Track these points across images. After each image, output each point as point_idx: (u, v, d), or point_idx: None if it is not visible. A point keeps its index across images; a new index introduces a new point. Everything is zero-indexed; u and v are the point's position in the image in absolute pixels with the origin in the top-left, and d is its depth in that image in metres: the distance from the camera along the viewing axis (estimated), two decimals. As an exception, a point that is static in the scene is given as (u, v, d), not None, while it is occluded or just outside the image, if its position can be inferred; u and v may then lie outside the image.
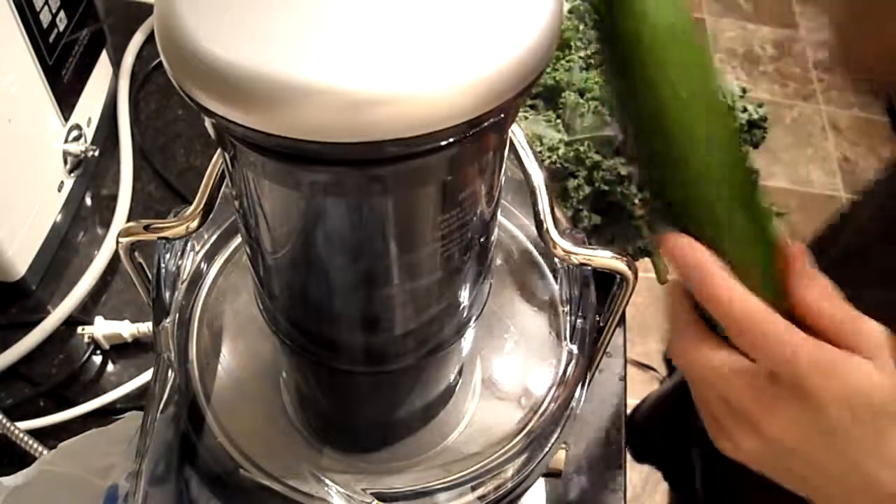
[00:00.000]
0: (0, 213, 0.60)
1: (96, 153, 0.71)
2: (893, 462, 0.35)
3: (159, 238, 0.38)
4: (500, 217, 0.35)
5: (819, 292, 0.35)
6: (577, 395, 0.42)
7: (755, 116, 0.67)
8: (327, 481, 0.38)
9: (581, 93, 0.65)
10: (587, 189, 0.62)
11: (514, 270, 0.48)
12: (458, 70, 0.22)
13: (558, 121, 0.64)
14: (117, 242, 0.39)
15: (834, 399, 0.34)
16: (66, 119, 0.67)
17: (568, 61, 0.66)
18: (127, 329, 0.63)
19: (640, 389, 1.52)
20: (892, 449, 0.35)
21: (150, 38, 0.84)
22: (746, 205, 0.35)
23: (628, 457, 0.64)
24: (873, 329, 0.35)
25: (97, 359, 0.64)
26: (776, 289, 0.36)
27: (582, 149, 0.62)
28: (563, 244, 0.36)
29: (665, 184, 0.36)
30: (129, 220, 0.72)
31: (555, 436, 0.42)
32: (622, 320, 0.60)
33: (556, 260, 0.39)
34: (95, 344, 0.64)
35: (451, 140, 0.24)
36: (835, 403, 0.34)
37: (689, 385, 0.39)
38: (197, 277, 0.46)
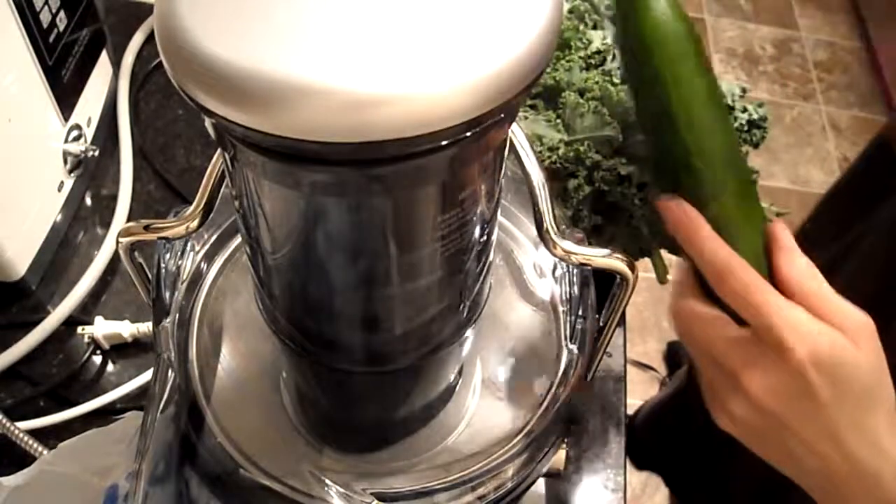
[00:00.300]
0: (0, 213, 0.60)
1: (96, 153, 0.71)
2: (873, 441, 0.36)
3: (159, 238, 0.38)
4: (500, 217, 0.35)
5: (801, 270, 0.37)
6: (577, 395, 0.42)
7: (755, 116, 0.67)
8: (327, 481, 0.38)
9: (581, 93, 0.65)
10: (587, 189, 0.62)
11: (514, 270, 0.48)
12: (459, 70, 0.22)
13: (558, 121, 0.64)
14: (117, 242, 0.39)
15: (813, 364, 0.35)
16: (66, 119, 0.67)
17: (568, 61, 0.66)
18: (127, 329, 0.63)
19: (640, 389, 1.52)
20: (873, 428, 0.36)
21: (150, 38, 0.84)
22: (737, 183, 0.38)
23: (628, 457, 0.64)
24: (855, 313, 0.36)
25: (97, 359, 0.64)
26: (765, 269, 0.38)
27: (582, 149, 0.62)
28: (563, 244, 0.36)
29: (663, 160, 0.40)
30: (129, 220, 0.72)
31: (555, 436, 0.42)
32: (622, 320, 0.60)
33: (556, 260, 0.39)
34: (95, 344, 0.64)
35: (452, 140, 0.24)
36: (814, 368, 0.35)
37: (690, 352, 0.41)
38: (197, 277, 0.46)
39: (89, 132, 0.72)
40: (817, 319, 0.36)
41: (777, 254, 0.38)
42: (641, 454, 0.96)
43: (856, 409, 0.36)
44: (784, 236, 0.38)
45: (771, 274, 0.38)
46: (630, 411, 0.86)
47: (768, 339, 0.36)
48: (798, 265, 0.37)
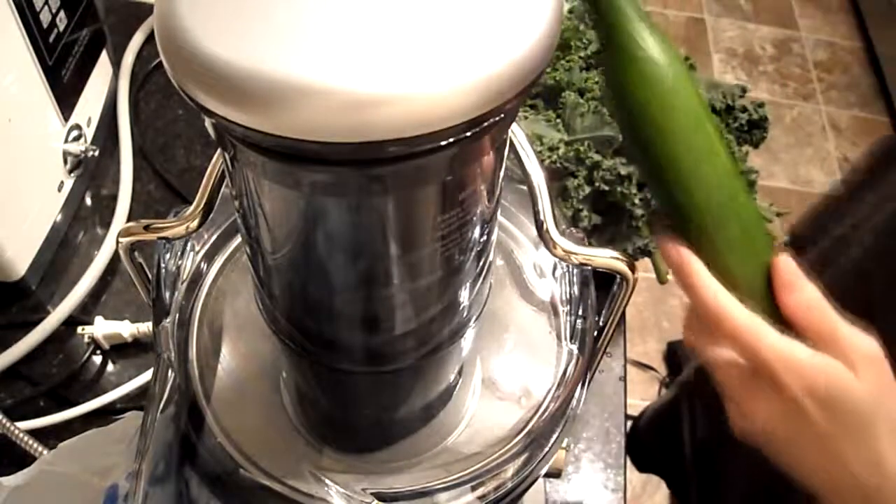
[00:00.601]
0: (0, 213, 0.60)
1: (96, 153, 0.71)
2: (876, 462, 0.37)
3: (159, 238, 0.38)
4: (500, 217, 0.35)
5: (805, 302, 0.38)
6: (577, 395, 0.42)
7: (755, 116, 0.67)
8: (327, 481, 0.38)
9: (581, 93, 0.65)
10: (587, 189, 0.62)
11: (514, 270, 0.48)
12: (459, 70, 0.22)
13: (558, 120, 0.64)
14: (117, 242, 0.39)
15: (810, 397, 0.36)
16: (66, 119, 0.67)
17: (568, 61, 0.66)
18: (127, 329, 0.63)
19: (640, 389, 1.52)
20: (875, 451, 0.37)
21: (150, 38, 0.84)
22: (738, 226, 0.38)
23: (628, 457, 0.64)
24: (861, 341, 0.37)
25: (97, 359, 0.64)
26: (771, 300, 0.38)
27: (582, 148, 0.62)
28: (563, 244, 0.36)
29: (660, 192, 0.38)
30: (129, 220, 0.72)
31: (555, 436, 0.42)
32: (622, 320, 0.60)
33: (556, 260, 0.39)
34: (95, 344, 0.64)
35: (452, 140, 0.24)
36: (811, 401, 0.37)
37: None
38: (197, 277, 0.46)
39: (89, 132, 0.72)
40: (815, 352, 0.37)
41: (779, 289, 0.38)
42: (643, 456, 0.97)
43: (857, 436, 0.37)
44: (786, 269, 0.38)
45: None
46: (630, 411, 0.86)
47: (764, 376, 0.37)
48: (801, 297, 0.38)
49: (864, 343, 0.37)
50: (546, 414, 0.42)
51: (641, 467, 0.98)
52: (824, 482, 0.39)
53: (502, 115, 0.25)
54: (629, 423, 0.98)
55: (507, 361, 0.45)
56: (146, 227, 0.38)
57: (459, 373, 0.43)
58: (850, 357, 0.37)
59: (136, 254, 0.40)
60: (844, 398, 0.37)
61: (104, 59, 0.74)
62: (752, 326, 0.37)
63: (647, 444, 0.96)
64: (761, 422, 0.39)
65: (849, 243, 0.64)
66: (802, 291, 0.38)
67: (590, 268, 0.38)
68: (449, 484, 0.39)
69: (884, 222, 0.61)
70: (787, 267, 0.38)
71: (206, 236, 0.46)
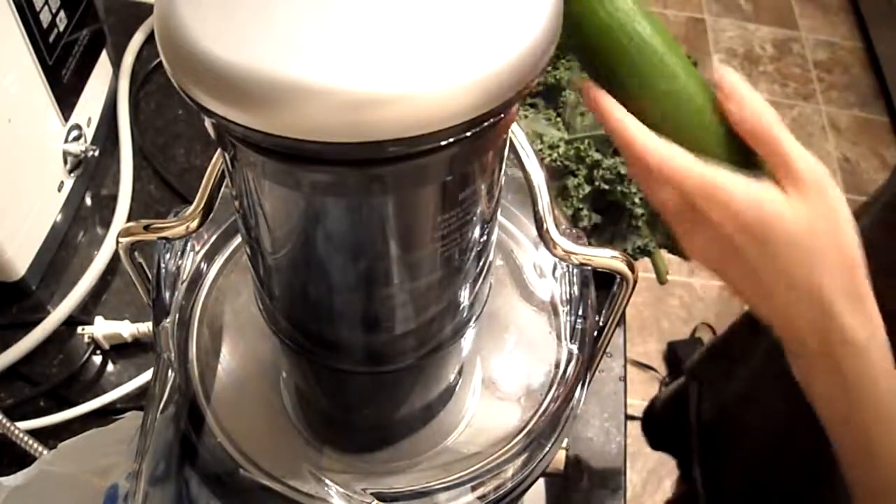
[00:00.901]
0: (0, 213, 0.60)
1: (96, 153, 0.71)
2: (816, 299, 0.36)
3: (159, 238, 0.38)
4: (500, 217, 0.35)
5: (752, 109, 0.36)
6: (577, 395, 0.42)
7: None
8: (327, 481, 0.38)
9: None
10: (587, 188, 0.62)
11: (514, 270, 0.48)
12: (459, 70, 0.22)
13: (559, 119, 0.64)
14: (117, 242, 0.39)
15: (737, 228, 0.36)
16: (66, 119, 0.67)
17: (568, 60, 0.66)
18: (127, 329, 0.63)
19: (641, 389, 1.52)
20: (812, 290, 0.36)
21: (150, 38, 0.84)
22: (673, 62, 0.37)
23: (629, 455, 0.64)
24: (807, 162, 0.36)
25: (97, 359, 0.64)
26: (723, 138, 0.38)
27: (582, 147, 0.62)
28: (563, 244, 0.36)
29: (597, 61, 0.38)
30: (129, 220, 0.72)
31: (555, 436, 0.42)
32: (622, 320, 0.60)
33: (556, 260, 0.39)
34: (95, 344, 0.64)
35: (452, 140, 0.24)
36: (738, 232, 0.36)
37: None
38: (197, 277, 0.46)
39: (89, 132, 0.72)
40: (747, 181, 0.36)
41: (724, 100, 0.37)
42: (656, 436, 0.99)
43: (791, 271, 0.36)
44: (728, 79, 0.37)
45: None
46: (630, 411, 0.86)
47: (697, 210, 0.36)
48: (748, 105, 0.37)
49: (810, 164, 0.36)
50: (546, 414, 0.42)
51: (655, 446, 0.99)
52: (768, 314, 0.38)
53: (502, 115, 0.25)
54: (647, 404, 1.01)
55: (507, 361, 0.45)
56: (146, 227, 0.38)
57: (459, 373, 0.43)
58: (796, 175, 0.36)
59: (136, 254, 0.40)
60: (777, 232, 0.35)
61: (104, 59, 0.74)
62: (672, 158, 0.36)
63: (660, 423, 0.97)
64: (699, 255, 0.38)
65: (860, 216, 0.64)
66: (750, 99, 0.37)
67: (590, 268, 0.38)
68: (449, 484, 0.39)
69: (892, 195, 0.61)
70: (728, 77, 0.37)
71: (206, 236, 0.46)
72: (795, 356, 0.39)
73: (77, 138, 0.69)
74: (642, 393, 1.50)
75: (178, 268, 0.44)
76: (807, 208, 0.35)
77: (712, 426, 0.79)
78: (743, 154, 0.38)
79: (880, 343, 0.37)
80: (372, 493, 0.38)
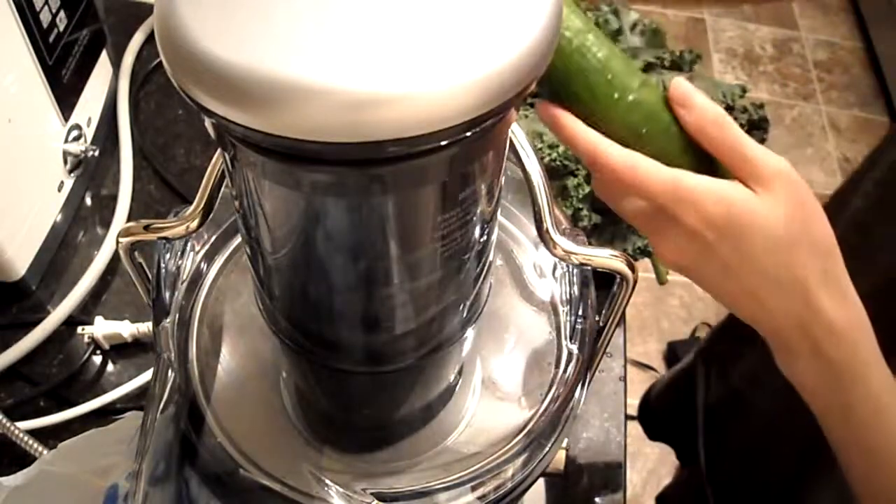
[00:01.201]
0: (0, 213, 0.60)
1: (96, 153, 0.71)
2: (801, 290, 0.36)
3: (159, 238, 0.38)
4: (500, 217, 0.35)
5: (707, 117, 0.37)
6: (577, 395, 0.42)
7: (755, 117, 0.67)
8: (327, 481, 0.38)
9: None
10: (587, 188, 0.62)
11: (514, 270, 0.48)
12: (459, 70, 0.22)
13: (558, 120, 0.64)
14: (117, 242, 0.39)
15: (707, 227, 0.36)
16: (66, 119, 0.67)
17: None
18: (127, 329, 0.63)
19: (640, 389, 1.51)
20: (795, 282, 0.36)
21: (150, 38, 0.84)
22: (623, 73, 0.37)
23: (629, 455, 0.64)
24: (770, 158, 0.36)
25: (97, 359, 0.64)
26: (686, 147, 0.38)
27: (582, 149, 0.62)
28: (562, 244, 0.36)
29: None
30: (129, 220, 0.72)
31: (555, 436, 0.42)
32: (622, 320, 0.60)
33: (556, 260, 0.39)
34: (95, 344, 0.64)
35: (452, 140, 0.24)
36: (709, 231, 0.36)
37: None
38: (197, 277, 0.46)
39: (89, 132, 0.72)
40: (709, 178, 0.36)
41: (677, 108, 0.37)
42: (654, 426, 0.98)
43: (768, 262, 0.36)
44: (680, 88, 0.37)
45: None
46: (630, 411, 0.86)
47: (664, 212, 0.37)
48: (702, 113, 0.37)
49: (772, 160, 0.36)
50: (546, 414, 0.42)
51: (652, 435, 0.99)
52: (752, 315, 0.38)
53: (502, 115, 0.25)
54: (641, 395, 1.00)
55: (507, 361, 0.45)
56: (146, 227, 0.38)
57: (459, 373, 0.43)
58: (760, 173, 0.36)
59: (136, 254, 0.40)
60: (750, 227, 0.35)
61: (104, 59, 0.74)
62: (630, 162, 0.36)
63: (658, 413, 0.97)
64: (671, 258, 0.38)
65: (849, 198, 0.64)
66: (704, 108, 0.37)
67: (590, 268, 0.38)
68: (449, 484, 0.39)
69: (883, 173, 0.61)
70: (680, 86, 0.37)
71: (206, 236, 0.46)
72: (784, 356, 0.39)
73: (77, 138, 0.69)
74: (642, 393, 1.50)
75: (178, 268, 0.44)
76: (776, 202, 0.36)
77: (718, 406, 0.80)
78: (707, 163, 0.38)
79: (865, 329, 0.37)
80: (372, 493, 0.38)
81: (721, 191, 0.36)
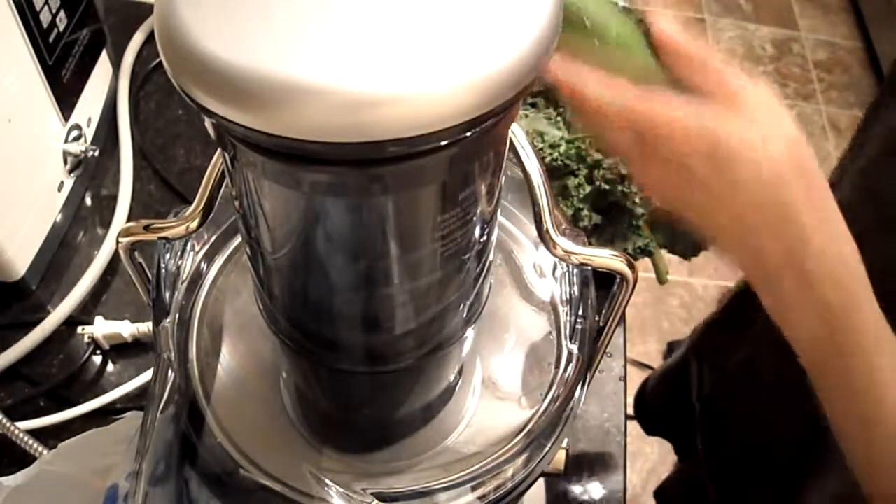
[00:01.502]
0: (0, 213, 0.60)
1: (96, 153, 0.71)
2: (783, 214, 0.36)
3: (159, 238, 0.38)
4: (500, 217, 0.35)
5: (686, 41, 0.37)
6: (577, 395, 0.42)
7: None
8: (327, 481, 0.38)
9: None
10: (588, 188, 0.62)
11: (514, 270, 0.48)
12: (458, 70, 0.22)
13: (559, 118, 0.64)
14: (117, 242, 0.39)
15: (693, 156, 0.35)
16: (66, 119, 0.67)
17: (568, 61, 0.66)
18: (127, 329, 0.63)
19: (640, 389, 1.52)
20: (780, 206, 0.36)
21: (150, 38, 0.84)
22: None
23: (629, 455, 0.64)
24: (743, 81, 0.37)
25: (97, 359, 0.64)
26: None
27: (583, 147, 0.62)
28: (562, 244, 0.36)
29: None
30: (129, 220, 0.72)
31: (555, 436, 0.42)
32: (622, 320, 0.61)
33: (556, 260, 0.39)
34: (95, 344, 0.64)
35: (452, 140, 0.24)
36: (695, 160, 0.35)
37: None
38: (197, 277, 0.46)
39: (89, 132, 0.72)
40: (688, 100, 0.36)
41: (661, 43, 0.38)
42: (650, 421, 0.98)
43: (754, 186, 0.36)
44: (661, 25, 0.38)
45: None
46: (630, 411, 0.86)
47: (646, 142, 0.36)
48: (682, 42, 0.37)
49: (748, 83, 0.37)
50: (546, 414, 0.42)
51: (649, 431, 0.99)
52: (739, 247, 0.38)
53: (502, 115, 0.25)
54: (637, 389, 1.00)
55: (507, 361, 0.45)
56: (146, 227, 0.38)
57: (459, 373, 0.43)
58: (739, 100, 0.36)
59: (136, 254, 0.40)
60: (732, 152, 0.35)
61: (104, 59, 0.74)
62: (623, 93, 0.36)
63: (654, 407, 0.97)
64: (655, 187, 0.38)
65: (836, 182, 0.63)
66: (680, 32, 0.37)
67: (590, 268, 0.38)
68: (449, 484, 0.39)
69: (868, 160, 0.60)
70: (662, 21, 0.38)
71: (206, 236, 0.46)
72: (772, 298, 0.38)
73: (77, 138, 0.69)
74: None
75: (178, 268, 0.44)
76: (755, 124, 0.36)
77: (713, 399, 0.80)
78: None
79: (855, 261, 0.37)
80: (372, 493, 0.38)
81: (701, 117, 0.36)
